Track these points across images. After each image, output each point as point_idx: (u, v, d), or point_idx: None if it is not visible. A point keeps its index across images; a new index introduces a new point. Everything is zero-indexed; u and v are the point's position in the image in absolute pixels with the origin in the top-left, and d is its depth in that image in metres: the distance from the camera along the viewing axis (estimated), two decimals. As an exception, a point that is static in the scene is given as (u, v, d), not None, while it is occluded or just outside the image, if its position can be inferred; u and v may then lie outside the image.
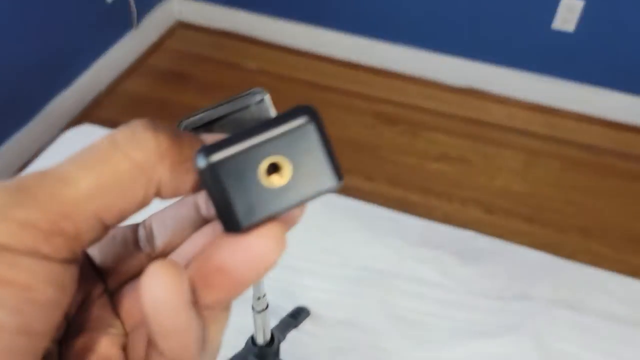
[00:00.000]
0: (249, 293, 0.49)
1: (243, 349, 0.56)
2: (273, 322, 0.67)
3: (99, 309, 0.18)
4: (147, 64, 1.78)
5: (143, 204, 0.15)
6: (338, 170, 0.15)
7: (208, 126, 0.19)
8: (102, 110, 1.63)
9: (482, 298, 0.75)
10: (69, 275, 0.14)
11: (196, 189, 0.16)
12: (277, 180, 0.15)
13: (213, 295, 0.15)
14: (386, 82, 1.73)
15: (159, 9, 1.87)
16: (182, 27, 1.92)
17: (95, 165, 0.14)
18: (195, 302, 0.15)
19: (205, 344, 0.16)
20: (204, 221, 0.19)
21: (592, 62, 1.59)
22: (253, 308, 0.50)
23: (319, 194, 0.15)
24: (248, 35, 1.86)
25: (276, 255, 0.15)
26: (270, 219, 0.15)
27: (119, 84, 1.71)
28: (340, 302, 0.73)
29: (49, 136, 1.45)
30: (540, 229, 1.35)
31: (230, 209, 0.15)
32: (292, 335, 0.68)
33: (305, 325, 0.70)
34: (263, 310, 0.50)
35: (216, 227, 0.19)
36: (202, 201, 0.19)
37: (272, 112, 0.19)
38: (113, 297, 0.19)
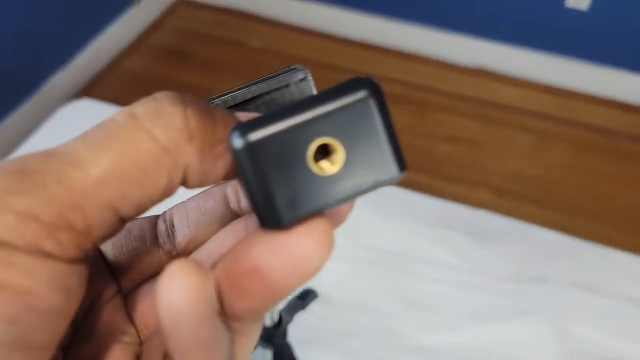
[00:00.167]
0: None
1: (249, 330, 0.54)
2: (280, 304, 0.65)
3: (110, 312, 0.16)
4: (148, 42, 1.75)
5: (166, 192, 0.12)
6: (401, 158, 0.13)
7: (241, 107, 0.16)
8: (102, 88, 1.60)
9: (497, 280, 0.73)
10: (76, 277, 0.12)
11: (229, 176, 0.13)
12: (327, 167, 0.12)
13: (244, 302, 0.13)
14: (394, 62, 1.69)
15: (160, -15, 1.83)
16: (183, 4, 1.88)
17: (111, 145, 0.12)
18: (222, 312, 0.13)
19: None
20: (233, 216, 0.17)
21: (606, 41, 1.55)
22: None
23: (377, 185, 0.13)
24: (252, 12, 1.82)
25: (322, 259, 0.12)
26: (316, 213, 0.12)
27: (120, 61, 1.68)
28: (349, 284, 0.71)
29: (48, 113, 1.42)
30: (552, 213, 1.32)
31: (270, 200, 0.12)
32: (300, 317, 0.66)
33: (313, 307, 0.68)
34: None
35: (249, 222, 0.16)
36: (232, 192, 0.17)
37: (315, 93, 0.16)
38: (127, 300, 0.16)
